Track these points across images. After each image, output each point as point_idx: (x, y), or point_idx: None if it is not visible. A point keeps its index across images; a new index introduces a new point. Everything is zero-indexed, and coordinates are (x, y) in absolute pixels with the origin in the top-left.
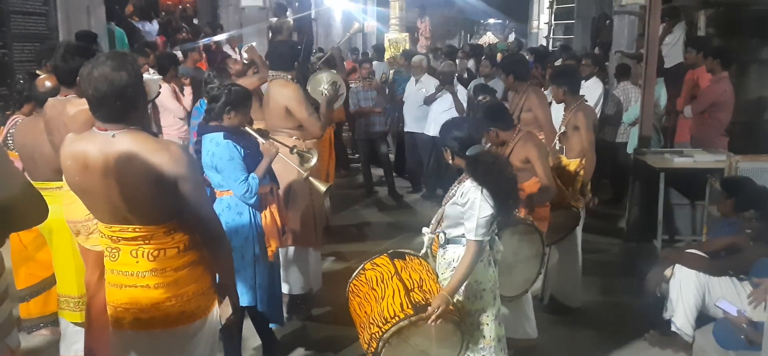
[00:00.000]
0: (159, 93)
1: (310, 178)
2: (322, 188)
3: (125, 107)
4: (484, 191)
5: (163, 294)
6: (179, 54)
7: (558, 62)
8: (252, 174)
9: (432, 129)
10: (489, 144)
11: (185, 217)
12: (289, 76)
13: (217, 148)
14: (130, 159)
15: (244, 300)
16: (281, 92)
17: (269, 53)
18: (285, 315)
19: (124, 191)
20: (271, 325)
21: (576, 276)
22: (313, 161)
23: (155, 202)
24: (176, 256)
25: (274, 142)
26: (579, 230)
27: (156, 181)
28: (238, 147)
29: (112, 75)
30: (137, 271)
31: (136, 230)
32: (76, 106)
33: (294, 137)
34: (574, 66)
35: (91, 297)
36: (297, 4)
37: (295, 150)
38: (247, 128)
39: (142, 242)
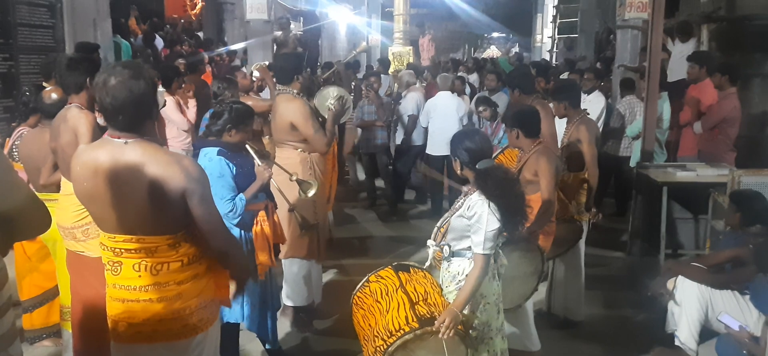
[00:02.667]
0: (164, 104)
1: (295, 212)
2: (304, 225)
3: (142, 115)
4: (492, 204)
5: (166, 307)
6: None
7: (564, 75)
8: (240, 195)
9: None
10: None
11: (192, 229)
12: (295, 91)
13: (209, 164)
14: (140, 168)
15: (232, 316)
16: (287, 106)
17: (274, 67)
18: (288, 328)
19: (131, 200)
20: (267, 346)
21: (579, 290)
22: (312, 192)
23: (162, 213)
24: (179, 270)
25: (268, 165)
26: (582, 243)
27: (164, 192)
28: (231, 165)
29: (130, 83)
30: (139, 285)
31: (141, 241)
32: (75, 115)
33: (299, 150)
34: (574, 81)
35: (79, 304)
36: (302, 18)
37: (295, 178)
38: (248, 147)
39: (145, 255)
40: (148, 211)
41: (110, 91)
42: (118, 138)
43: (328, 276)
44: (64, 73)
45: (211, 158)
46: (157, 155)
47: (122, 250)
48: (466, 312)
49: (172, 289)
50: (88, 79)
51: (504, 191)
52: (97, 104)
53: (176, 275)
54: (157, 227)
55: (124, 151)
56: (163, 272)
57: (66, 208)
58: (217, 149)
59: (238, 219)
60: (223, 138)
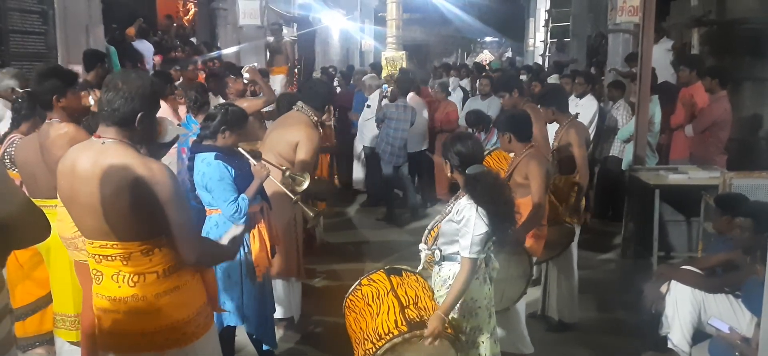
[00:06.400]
0: (176, 139)
1: (299, 203)
2: (311, 214)
3: (126, 114)
4: (480, 209)
5: (146, 321)
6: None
7: (554, 79)
8: (242, 195)
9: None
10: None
11: (164, 238)
12: (316, 118)
13: (208, 168)
14: (111, 169)
15: (231, 320)
16: (302, 130)
17: (306, 86)
18: (281, 333)
19: (102, 201)
20: (264, 347)
21: (572, 292)
22: (305, 184)
23: (133, 216)
24: (156, 282)
25: (265, 164)
26: (575, 246)
27: (134, 195)
28: (229, 168)
29: (126, 79)
30: (119, 296)
31: (115, 246)
32: (57, 130)
33: (284, 168)
34: (558, 85)
35: (86, 313)
36: (295, 23)
37: (287, 172)
38: (241, 149)
39: (121, 263)
40: (119, 213)
41: (107, 86)
42: (99, 137)
43: (321, 282)
44: (34, 87)
45: (209, 163)
46: (130, 158)
47: (101, 257)
48: (455, 315)
49: (152, 303)
50: (55, 97)
51: (493, 197)
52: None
53: (154, 287)
54: (129, 231)
55: (100, 151)
56: (141, 284)
57: (64, 218)
58: (214, 153)
59: (244, 219)
60: (218, 140)
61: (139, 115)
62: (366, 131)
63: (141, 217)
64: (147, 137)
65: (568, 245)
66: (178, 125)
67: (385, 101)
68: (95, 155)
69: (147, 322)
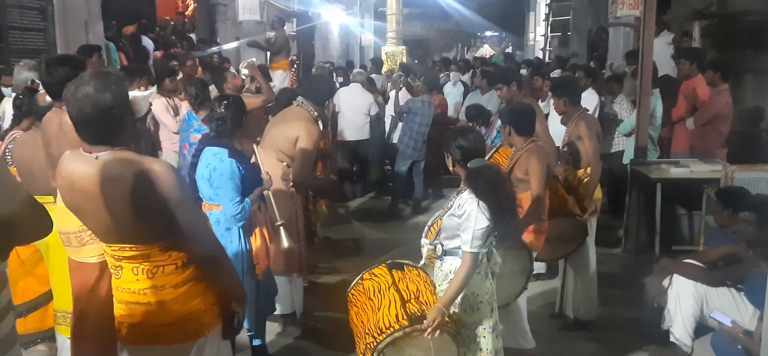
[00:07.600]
0: (149, 110)
1: (281, 228)
2: (285, 244)
3: (111, 128)
4: (481, 203)
5: (164, 311)
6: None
7: (556, 73)
8: (246, 199)
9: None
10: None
11: (178, 235)
12: (316, 113)
13: (219, 164)
14: (112, 181)
15: None
16: (302, 124)
17: (307, 82)
18: (279, 329)
19: (111, 213)
20: (254, 342)
21: (590, 290)
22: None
23: (143, 223)
24: (174, 273)
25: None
26: (592, 242)
27: (140, 202)
28: (240, 168)
29: (96, 96)
30: (138, 288)
31: (133, 249)
32: (67, 120)
33: (285, 164)
34: (573, 77)
35: (80, 311)
36: (295, 18)
37: (279, 224)
38: (257, 153)
39: (141, 260)
40: (129, 222)
41: (77, 103)
42: (90, 153)
43: (322, 277)
44: (44, 78)
45: (222, 160)
46: (129, 167)
47: (120, 256)
48: (457, 310)
49: (169, 293)
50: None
51: (495, 191)
52: (68, 115)
53: (172, 277)
54: (142, 236)
55: (96, 166)
56: (159, 275)
57: (66, 214)
58: (227, 150)
59: (244, 222)
60: (234, 138)
61: (120, 121)
62: (350, 127)
63: (154, 220)
64: (129, 128)
65: (583, 239)
66: (180, 122)
67: (400, 95)
68: (93, 171)
69: (165, 313)
